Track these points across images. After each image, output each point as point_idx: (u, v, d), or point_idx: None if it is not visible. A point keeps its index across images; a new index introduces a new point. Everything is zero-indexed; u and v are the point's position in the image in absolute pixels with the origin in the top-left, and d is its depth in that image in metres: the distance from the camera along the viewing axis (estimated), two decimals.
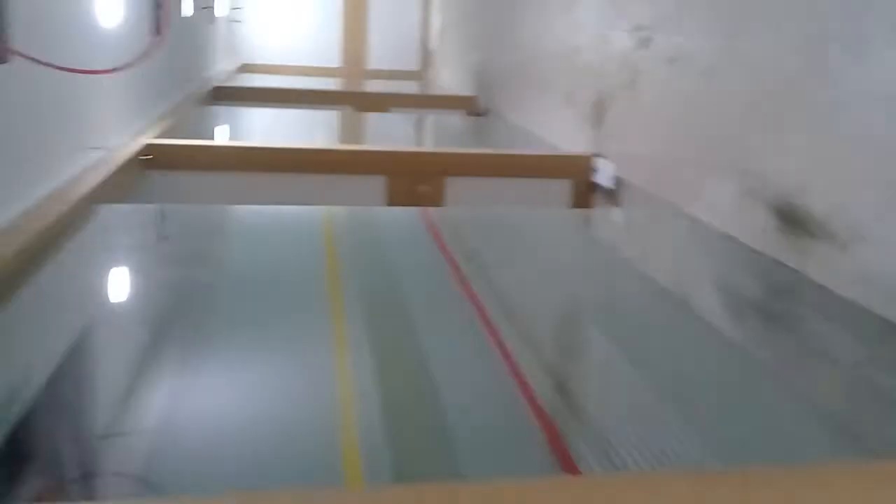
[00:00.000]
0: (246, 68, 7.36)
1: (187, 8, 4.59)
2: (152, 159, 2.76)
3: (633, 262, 2.09)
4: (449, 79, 6.71)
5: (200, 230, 1.95)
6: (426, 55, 7.83)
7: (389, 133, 3.91)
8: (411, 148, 3.08)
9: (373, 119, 4.32)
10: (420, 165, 2.97)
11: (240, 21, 7.16)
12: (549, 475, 0.96)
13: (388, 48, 7.85)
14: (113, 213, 2.03)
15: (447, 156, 3.02)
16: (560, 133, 3.55)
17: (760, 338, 1.66)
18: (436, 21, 7.28)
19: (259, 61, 7.52)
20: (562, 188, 3.07)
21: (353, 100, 5.18)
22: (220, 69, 6.39)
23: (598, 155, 3.04)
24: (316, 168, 2.93)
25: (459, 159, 3.01)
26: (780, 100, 1.91)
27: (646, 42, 2.65)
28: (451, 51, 6.61)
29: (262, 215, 2.08)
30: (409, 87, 6.77)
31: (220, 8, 6.34)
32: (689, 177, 2.35)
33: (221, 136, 3.54)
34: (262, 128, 3.88)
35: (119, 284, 1.67)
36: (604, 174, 2.94)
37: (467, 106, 5.35)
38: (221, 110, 4.36)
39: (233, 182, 2.87)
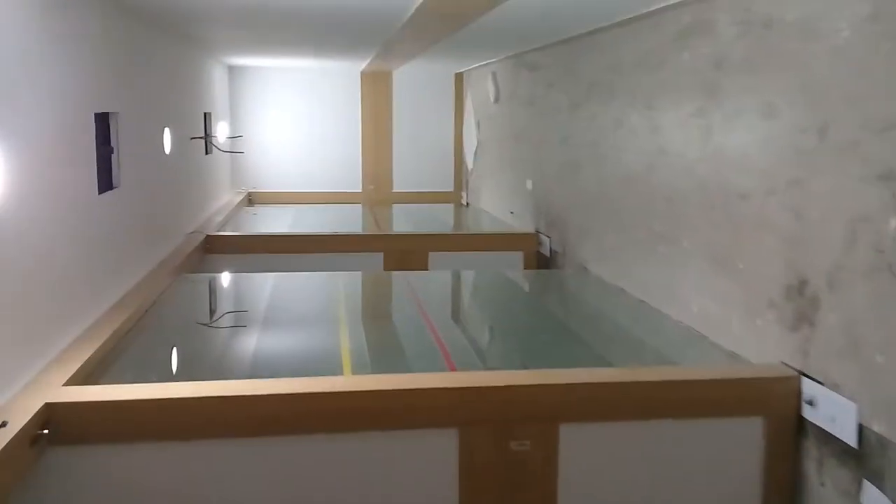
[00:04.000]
0: (253, 198, 6.31)
1: (169, 143, 3.54)
2: (57, 433, 1.59)
3: None
4: (490, 202, 5.60)
5: None
6: (462, 174, 6.77)
7: (440, 317, 2.76)
8: (495, 377, 1.90)
9: (411, 283, 3.17)
10: (514, 405, 1.77)
11: (241, 152, 6.14)
12: None
13: (416, 167, 6.77)
14: None
15: (555, 388, 1.81)
16: (705, 317, 2.33)
17: None
18: (472, 134, 6.25)
19: (268, 189, 6.45)
20: (748, 430, 1.85)
21: (382, 245, 4.00)
22: (221, 204, 5.35)
23: (804, 374, 1.84)
24: (344, 426, 1.74)
25: (575, 392, 1.81)
26: None
27: None
28: (493, 169, 5.53)
29: None
30: (446, 216, 5.68)
31: (220, 135, 5.35)
32: None
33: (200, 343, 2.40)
34: (263, 307, 2.74)
35: None
36: (827, 414, 1.73)
37: (527, 247, 4.18)
38: (208, 279, 3.24)
39: (197, 455, 1.69)
